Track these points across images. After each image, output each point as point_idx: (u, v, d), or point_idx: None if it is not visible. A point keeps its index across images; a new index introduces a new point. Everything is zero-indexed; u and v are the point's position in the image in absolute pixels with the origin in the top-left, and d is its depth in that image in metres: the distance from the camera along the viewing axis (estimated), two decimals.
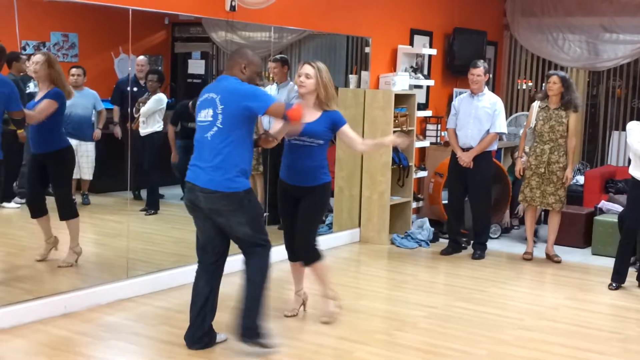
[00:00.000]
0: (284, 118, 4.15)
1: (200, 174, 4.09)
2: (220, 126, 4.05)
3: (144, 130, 6.37)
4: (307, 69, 4.55)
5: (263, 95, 4.16)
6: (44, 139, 5.19)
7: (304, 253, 4.71)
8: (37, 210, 5.29)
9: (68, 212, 5.29)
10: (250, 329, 4.14)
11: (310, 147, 4.55)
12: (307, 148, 4.55)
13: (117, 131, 6.17)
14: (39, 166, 5.24)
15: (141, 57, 6.55)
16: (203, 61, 7.54)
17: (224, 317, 4.78)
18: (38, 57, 5.16)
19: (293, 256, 4.82)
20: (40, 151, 5.23)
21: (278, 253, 4.65)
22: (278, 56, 6.72)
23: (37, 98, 5.21)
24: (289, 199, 4.70)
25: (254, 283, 4.19)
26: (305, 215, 4.63)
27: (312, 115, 4.53)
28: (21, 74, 5.53)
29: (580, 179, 8.37)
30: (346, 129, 4.61)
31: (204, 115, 4.13)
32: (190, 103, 5.85)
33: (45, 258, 5.34)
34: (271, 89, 6.69)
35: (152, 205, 6.52)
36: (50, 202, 5.31)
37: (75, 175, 5.96)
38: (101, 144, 6.09)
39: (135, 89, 6.40)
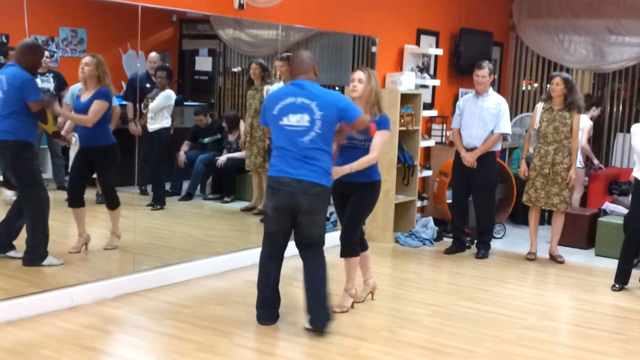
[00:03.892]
0: (364, 131, 4.54)
1: (303, 173, 4.33)
2: (319, 132, 4.31)
3: (152, 126, 6.40)
4: (359, 74, 4.75)
5: (353, 106, 4.46)
6: (91, 134, 5.47)
7: (345, 244, 4.89)
8: (76, 201, 5.59)
9: (113, 203, 5.65)
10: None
11: (365, 149, 4.70)
12: (362, 151, 4.69)
13: (134, 128, 6.21)
14: (85, 159, 5.54)
15: (153, 54, 6.58)
16: (210, 58, 7.58)
17: (227, 312, 4.82)
18: (88, 59, 5.39)
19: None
20: (87, 145, 5.51)
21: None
22: (285, 54, 6.75)
23: (84, 99, 5.43)
24: (341, 197, 4.88)
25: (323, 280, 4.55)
26: (355, 209, 4.84)
27: None
28: None
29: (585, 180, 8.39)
30: (380, 134, 4.67)
31: (296, 120, 4.32)
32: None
33: (78, 251, 5.54)
34: (278, 87, 6.72)
35: (159, 201, 6.55)
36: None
37: None
38: None
39: (148, 85, 6.44)
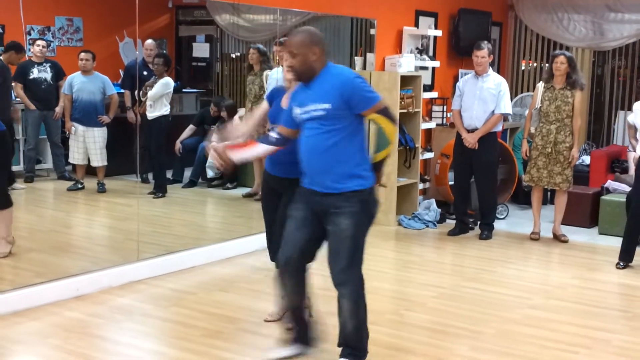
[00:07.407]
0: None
1: None
2: None
3: (151, 114, 6.38)
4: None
5: None
6: None
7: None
8: None
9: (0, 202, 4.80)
10: None
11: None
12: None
13: (131, 115, 6.18)
14: None
15: (149, 41, 6.55)
16: (207, 44, 7.54)
17: (232, 297, 4.81)
18: None
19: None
20: None
21: None
22: (283, 39, 6.71)
23: None
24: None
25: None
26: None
27: None
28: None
29: (587, 159, 8.39)
30: None
31: None
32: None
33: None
34: (277, 72, 6.68)
35: (160, 189, 6.55)
36: None
37: (73, 160, 5.97)
38: (108, 128, 6.11)
39: (145, 72, 6.41)
